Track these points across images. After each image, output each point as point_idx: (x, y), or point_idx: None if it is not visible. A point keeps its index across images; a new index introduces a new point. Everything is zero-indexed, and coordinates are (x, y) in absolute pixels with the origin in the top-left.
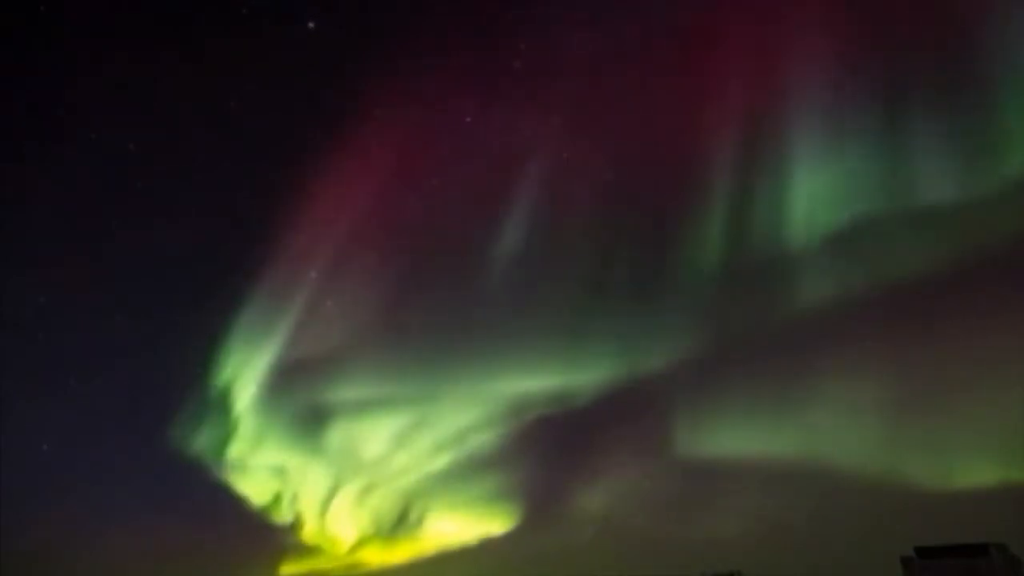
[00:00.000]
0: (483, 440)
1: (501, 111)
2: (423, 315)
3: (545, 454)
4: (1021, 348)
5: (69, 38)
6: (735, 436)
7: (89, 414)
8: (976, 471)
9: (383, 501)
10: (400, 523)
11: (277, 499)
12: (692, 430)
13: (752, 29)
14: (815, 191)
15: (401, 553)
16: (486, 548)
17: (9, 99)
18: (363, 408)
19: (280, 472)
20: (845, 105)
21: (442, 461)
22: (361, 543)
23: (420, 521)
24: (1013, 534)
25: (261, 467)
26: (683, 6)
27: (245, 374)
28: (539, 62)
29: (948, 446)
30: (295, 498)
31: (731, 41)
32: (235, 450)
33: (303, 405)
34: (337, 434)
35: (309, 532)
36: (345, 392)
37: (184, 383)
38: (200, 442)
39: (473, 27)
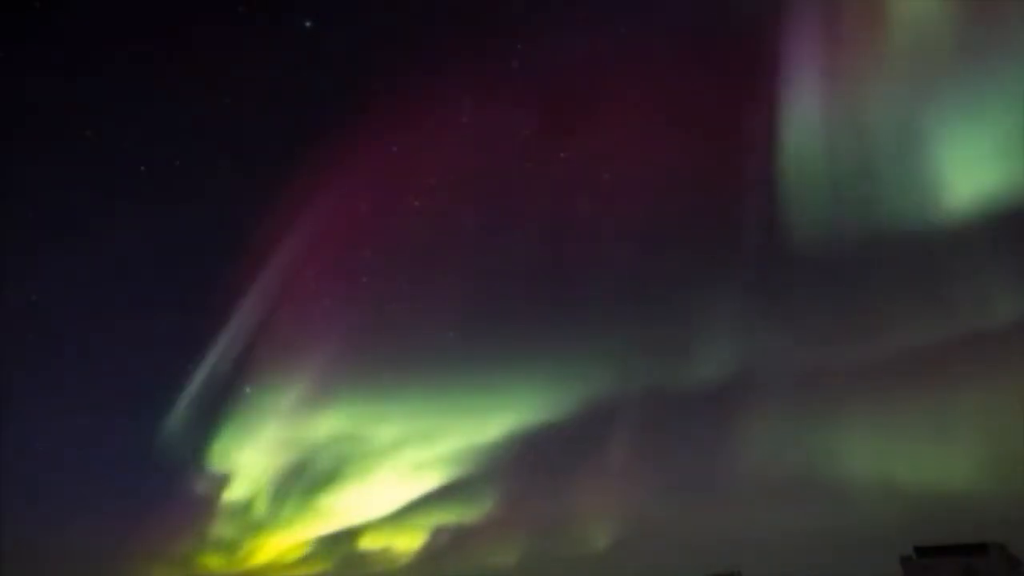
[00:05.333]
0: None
1: (500, 111)
2: (419, 316)
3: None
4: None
5: (68, 38)
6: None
7: (85, 414)
8: (976, 471)
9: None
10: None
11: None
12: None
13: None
14: None
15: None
16: (486, 551)
17: (8, 98)
18: (356, 418)
19: (266, 472)
20: None
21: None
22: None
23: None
24: (1013, 534)
25: (250, 467)
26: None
27: (242, 375)
28: (538, 62)
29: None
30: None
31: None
32: (226, 449)
33: (297, 405)
34: (328, 436)
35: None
36: (337, 397)
37: (178, 383)
38: (190, 442)
39: (472, 27)
